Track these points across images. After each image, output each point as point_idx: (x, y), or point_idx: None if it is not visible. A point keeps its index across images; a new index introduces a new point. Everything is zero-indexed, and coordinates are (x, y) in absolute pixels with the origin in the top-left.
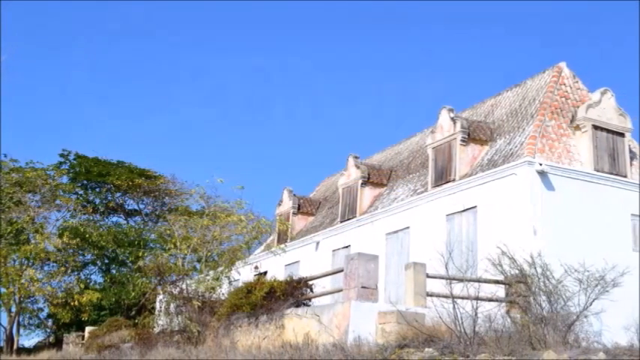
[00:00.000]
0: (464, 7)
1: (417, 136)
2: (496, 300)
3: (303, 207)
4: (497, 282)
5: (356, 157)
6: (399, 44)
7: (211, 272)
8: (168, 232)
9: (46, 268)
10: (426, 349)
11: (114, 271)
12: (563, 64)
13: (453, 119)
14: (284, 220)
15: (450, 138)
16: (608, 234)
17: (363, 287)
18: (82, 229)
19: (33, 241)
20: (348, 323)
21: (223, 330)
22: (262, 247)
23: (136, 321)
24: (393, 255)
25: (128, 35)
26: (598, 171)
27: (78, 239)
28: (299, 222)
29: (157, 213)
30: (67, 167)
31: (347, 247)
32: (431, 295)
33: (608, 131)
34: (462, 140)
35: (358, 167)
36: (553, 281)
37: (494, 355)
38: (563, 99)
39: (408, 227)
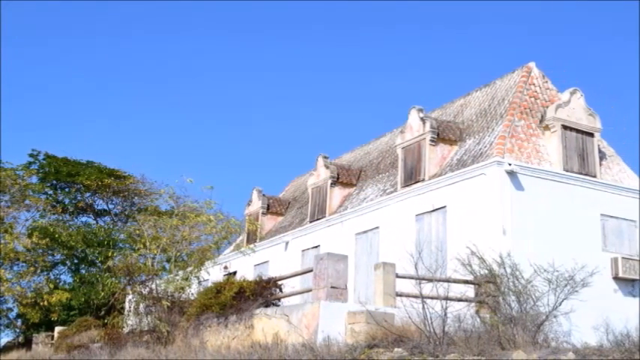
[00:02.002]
0: (433, 7)
1: (387, 136)
2: (465, 300)
3: (272, 207)
4: (466, 282)
5: (325, 157)
6: (369, 44)
7: (181, 272)
8: (137, 232)
9: (15, 268)
10: (396, 349)
11: (83, 271)
12: (532, 64)
13: (422, 119)
14: (253, 220)
15: (420, 138)
16: (577, 234)
17: (332, 287)
18: (51, 229)
19: (2, 241)
20: (318, 323)
21: (193, 330)
22: (232, 247)
23: (106, 321)
24: (363, 255)
25: (98, 33)
26: (567, 171)
27: (47, 239)
28: (268, 222)
29: (127, 213)
30: (36, 167)
31: (316, 247)
32: (400, 295)
33: (578, 131)
34: (431, 140)
35: (327, 167)
36: (522, 281)
37: (463, 355)
38: (533, 99)
39: (377, 227)
